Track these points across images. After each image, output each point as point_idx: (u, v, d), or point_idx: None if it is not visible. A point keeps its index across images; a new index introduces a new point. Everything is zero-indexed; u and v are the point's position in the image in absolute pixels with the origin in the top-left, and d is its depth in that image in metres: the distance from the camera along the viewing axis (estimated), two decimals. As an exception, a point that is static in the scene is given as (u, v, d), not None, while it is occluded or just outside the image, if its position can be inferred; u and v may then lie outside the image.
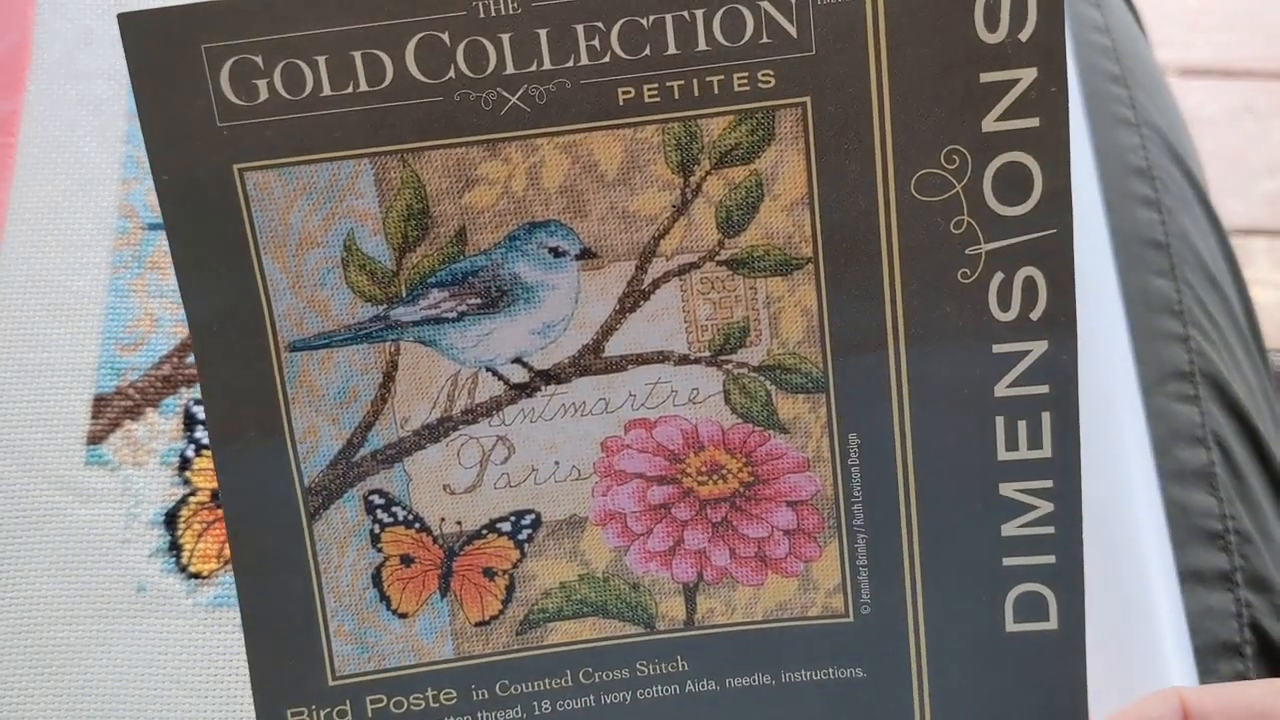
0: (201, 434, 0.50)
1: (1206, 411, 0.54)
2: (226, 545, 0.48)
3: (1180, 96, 0.71)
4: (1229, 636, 0.50)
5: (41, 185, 0.53)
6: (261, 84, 0.33)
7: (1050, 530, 0.37)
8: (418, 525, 0.37)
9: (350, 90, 0.33)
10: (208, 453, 0.49)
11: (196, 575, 0.48)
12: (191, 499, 0.49)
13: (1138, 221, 0.57)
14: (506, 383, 0.36)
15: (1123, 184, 0.58)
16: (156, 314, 0.51)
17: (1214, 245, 0.61)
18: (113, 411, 0.50)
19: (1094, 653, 0.38)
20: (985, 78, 0.33)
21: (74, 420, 0.50)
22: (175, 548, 0.48)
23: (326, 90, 0.33)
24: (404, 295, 0.35)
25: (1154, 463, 0.51)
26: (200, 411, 0.50)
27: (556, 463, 0.37)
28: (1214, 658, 0.49)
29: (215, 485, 0.49)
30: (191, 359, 0.50)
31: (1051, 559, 0.37)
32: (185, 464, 0.49)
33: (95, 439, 0.50)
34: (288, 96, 0.33)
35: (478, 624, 0.38)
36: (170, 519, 0.49)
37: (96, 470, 0.49)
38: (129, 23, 0.33)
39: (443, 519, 0.37)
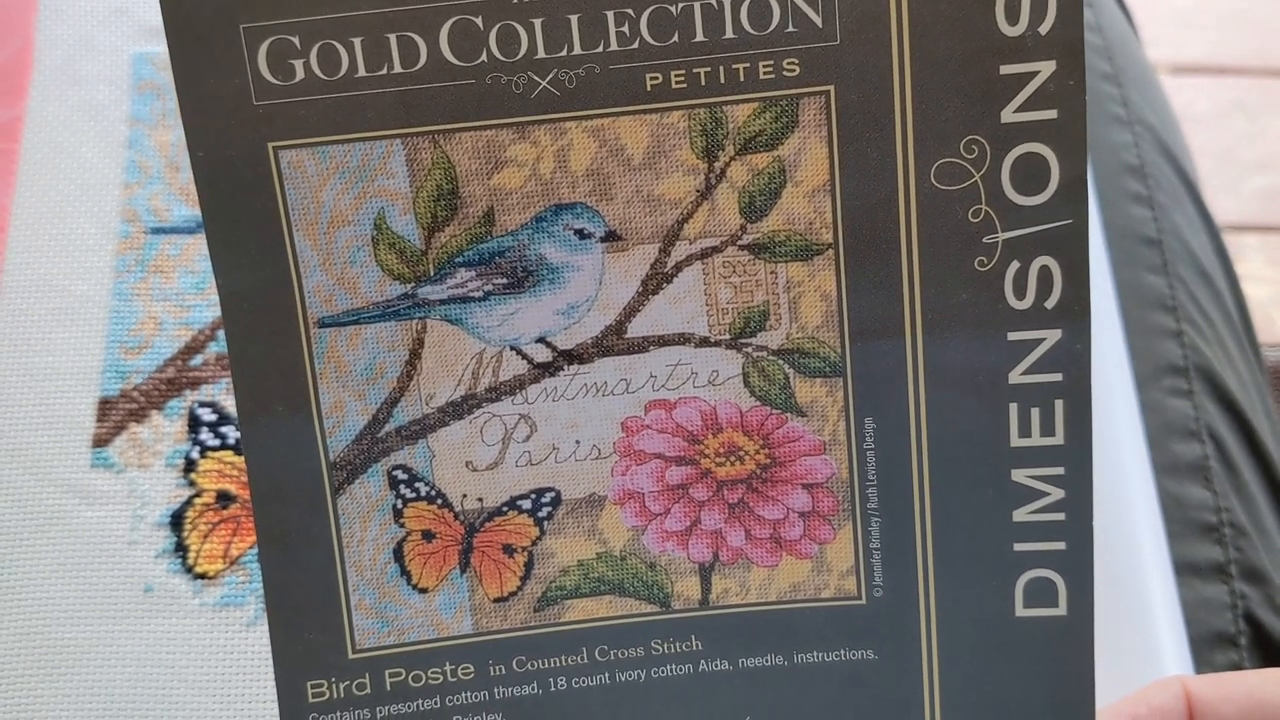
0: (206, 436, 0.50)
1: (1200, 406, 0.55)
2: (232, 546, 0.49)
3: (1172, 94, 0.73)
4: (1224, 627, 0.50)
5: (44, 190, 0.53)
6: (298, 64, 0.34)
7: (1061, 516, 0.37)
8: (440, 501, 0.37)
9: (385, 72, 0.34)
10: (212, 455, 0.50)
11: (203, 576, 0.48)
12: (197, 500, 0.49)
13: (1131, 218, 0.58)
14: (530, 362, 0.36)
15: (1116, 181, 0.59)
16: (160, 317, 0.51)
17: (1206, 241, 0.62)
18: (117, 414, 0.50)
19: (1092, 644, 0.39)
20: (1005, 70, 0.34)
21: (79, 423, 0.50)
22: (181, 549, 0.49)
23: (361, 71, 0.34)
24: (432, 274, 0.36)
25: (1149, 457, 0.51)
26: (204, 414, 0.50)
27: (577, 442, 0.37)
28: (1209, 649, 0.50)
29: (220, 487, 0.49)
30: (195, 362, 0.51)
31: (1062, 545, 0.37)
32: (190, 466, 0.50)
33: (100, 442, 0.50)
34: (323, 77, 0.34)
35: (496, 600, 0.38)
36: (176, 520, 0.49)
37: (102, 473, 0.49)
38: (170, 1, 0.33)
39: (464, 495, 0.37)
